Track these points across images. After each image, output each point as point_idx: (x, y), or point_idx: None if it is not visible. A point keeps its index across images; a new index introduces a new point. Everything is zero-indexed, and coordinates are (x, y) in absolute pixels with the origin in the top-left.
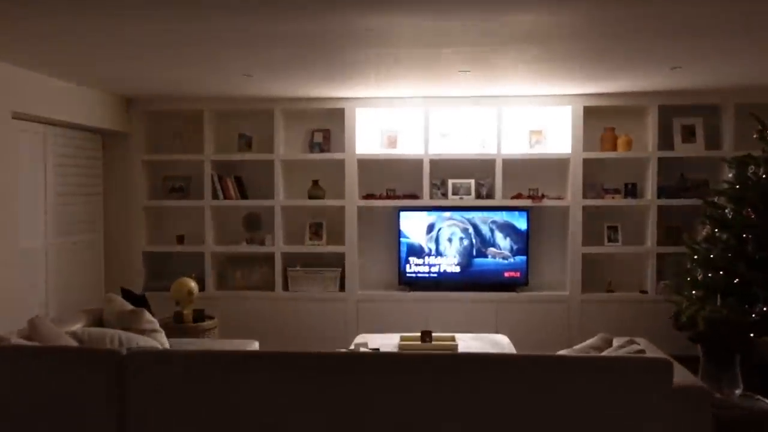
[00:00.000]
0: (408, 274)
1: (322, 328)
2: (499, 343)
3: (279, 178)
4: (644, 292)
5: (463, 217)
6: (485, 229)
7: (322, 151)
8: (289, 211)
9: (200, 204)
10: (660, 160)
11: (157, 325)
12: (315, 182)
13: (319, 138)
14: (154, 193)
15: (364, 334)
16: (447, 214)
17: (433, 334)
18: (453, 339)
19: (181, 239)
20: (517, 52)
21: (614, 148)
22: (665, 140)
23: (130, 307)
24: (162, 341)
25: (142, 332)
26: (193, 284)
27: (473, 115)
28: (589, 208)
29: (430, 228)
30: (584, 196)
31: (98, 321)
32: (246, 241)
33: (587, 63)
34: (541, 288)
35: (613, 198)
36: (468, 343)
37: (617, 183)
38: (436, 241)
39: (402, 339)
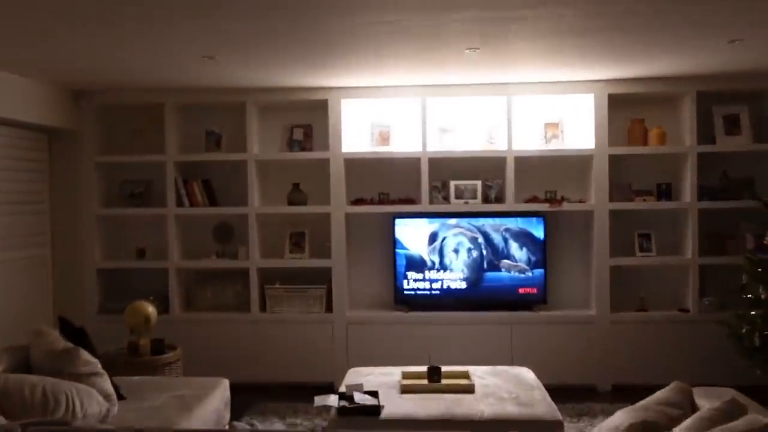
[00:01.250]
0: (406, 292)
1: (305, 356)
2: (524, 379)
3: (253, 182)
4: (684, 310)
5: (471, 224)
6: (497, 239)
7: (303, 149)
8: (266, 219)
9: (163, 212)
10: (699, 156)
11: (97, 367)
12: (295, 186)
13: (299, 135)
14: (110, 201)
15: (357, 368)
16: (452, 221)
17: (443, 369)
18: (467, 375)
19: (141, 253)
20: (544, 20)
21: (644, 142)
22: (703, 133)
23: (63, 344)
24: (103, 387)
25: (78, 377)
26: (150, 309)
27: (479, 107)
28: (617, 213)
29: (433, 237)
30: (611, 199)
31: (25, 361)
32: (216, 255)
33: (628, 36)
34: (561, 306)
35: (644, 200)
36: (486, 380)
37: (648, 183)
38: (440, 252)
39: (404, 376)
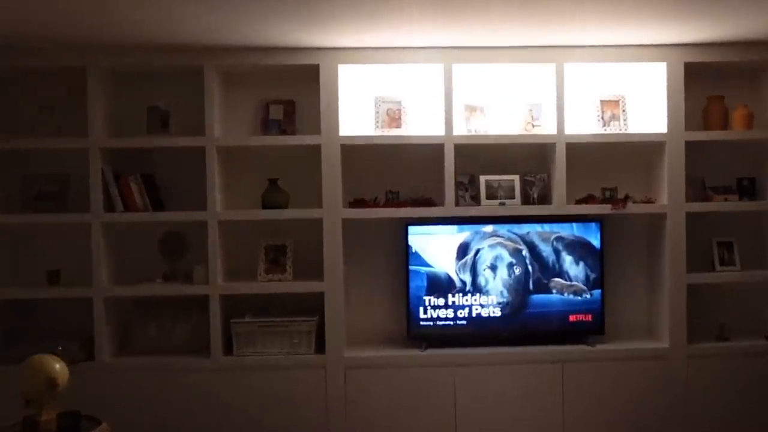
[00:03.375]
0: (423, 323)
1: (289, 415)
2: None
3: (215, 177)
4: None
5: (513, 232)
6: (547, 251)
7: (283, 132)
8: (233, 228)
9: (85, 219)
10: None
11: None
12: (273, 182)
13: (278, 113)
14: (8, 203)
15: None
16: (488, 227)
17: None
18: None
19: (53, 277)
20: None
21: (724, 125)
22: None
23: None
24: None
25: None
26: (57, 367)
27: (519, 77)
28: (691, 217)
29: (463, 250)
30: (686, 198)
31: None
32: (163, 278)
33: None
34: (622, 336)
35: (726, 200)
36: None
37: (726, 178)
38: (473, 269)
39: None
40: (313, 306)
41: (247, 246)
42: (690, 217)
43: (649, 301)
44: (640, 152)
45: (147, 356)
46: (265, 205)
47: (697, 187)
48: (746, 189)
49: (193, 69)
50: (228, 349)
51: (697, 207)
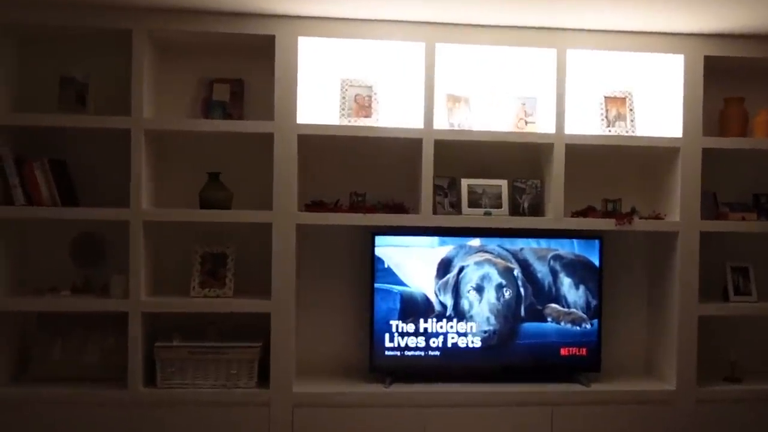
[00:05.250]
0: (388, 352)
1: None
2: None
3: (141, 167)
4: None
5: (503, 248)
6: (543, 271)
7: (228, 117)
8: (162, 230)
9: None
10: None
11: None
12: (213, 176)
13: (222, 93)
14: None
15: None
16: (475, 242)
17: None
18: None
19: None
20: None
21: (742, 132)
22: None
23: None
24: None
25: None
26: None
27: (511, 63)
28: (703, 237)
29: (445, 267)
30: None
31: None
32: (73, 288)
33: None
34: (620, 374)
35: (743, 219)
36: None
37: (741, 194)
38: (455, 290)
39: None
40: (256, 329)
41: (179, 254)
42: (703, 237)
43: (651, 333)
44: (648, 159)
45: (49, 385)
46: (203, 205)
47: (708, 203)
48: (764, 207)
49: (119, 33)
50: (150, 379)
51: (713, 226)
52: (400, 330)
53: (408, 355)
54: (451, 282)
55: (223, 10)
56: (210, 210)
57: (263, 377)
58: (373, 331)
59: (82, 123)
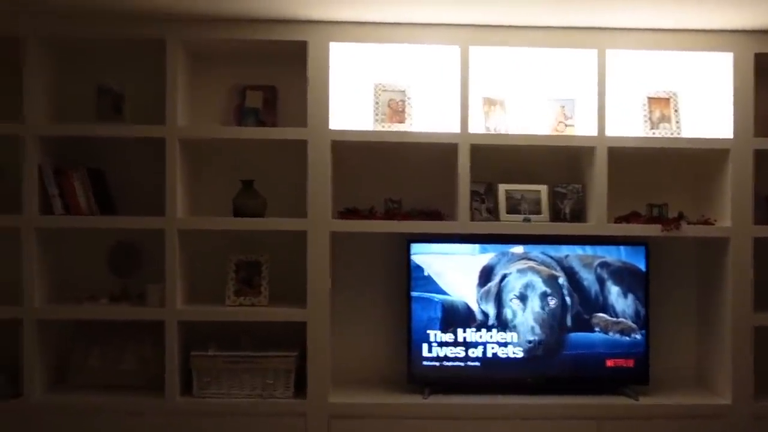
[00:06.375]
0: (426, 363)
1: None
2: None
3: (176, 175)
4: None
5: (547, 255)
6: (589, 279)
7: (261, 124)
8: (196, 239)
9: (15, 223)
10: None
11: None
12: (247, 184)
13: (255, 100)
14: None
15: None
16: (517, 249)
17: None
18: None
19: None
20: None
21: None
22: None
23: None
24: None
25: None
26: None
27: (549, 66)
28: (759, 242)
29: (486, 275)
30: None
31: None
32: (110, 297)
33: None
34: (669, 387)
35: None
36: None
37: None
38: (497, 299)
39: None
40: (292, 338)
41: (214, 262)
42: (757, 243)
43: (702, 344)
44: (695, 162)
45: (86, 393)
46: (238, 213)
47: (762, 207)
48: None
49: (154, 43)
50: (187, 387)
51: (765, 231)
52: (438, 340)
53: (447, 366)
54: (493, 290)
55: (255, 17)
56: (244, 218)
57: (299, 387)
58: (410, 341)
59: (118, 132)
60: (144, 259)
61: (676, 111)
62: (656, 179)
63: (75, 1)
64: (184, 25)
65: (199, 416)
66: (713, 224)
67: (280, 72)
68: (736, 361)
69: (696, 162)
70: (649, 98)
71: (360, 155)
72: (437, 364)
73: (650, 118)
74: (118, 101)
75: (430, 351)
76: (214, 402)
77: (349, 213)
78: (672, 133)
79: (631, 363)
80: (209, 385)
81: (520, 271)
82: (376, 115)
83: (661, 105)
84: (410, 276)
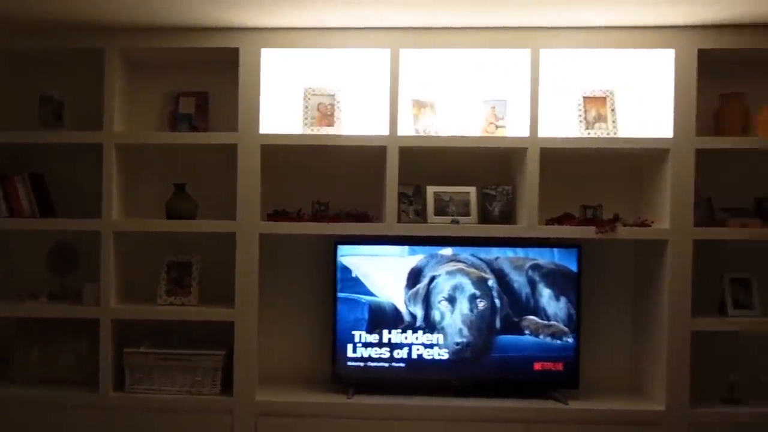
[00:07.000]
0: (350, 363)
1: None
2: None
3: (112, 179)
4: None
5: (477, 257)
6: (520, 281)
7: (194, 129)
8: (130, 240)
9: None
10: None
11: None
12: (179, 188)
13: (188, 106)
14: None
15: None
16: (447, 251)
17: None
18: None
19: None
20: None
21: (743, 130)
22: None
23: None
24: None
25: None
26: None
27: (479, 67)
28: (697, 245)
29: (415, 277)
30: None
31: None
32: (50, 295)
33: None
34: (600, 392)
35: (743, 226)
36: None
37: (739, 197)
38: (425, 301)
39: None
40: (221, 337)
41: (148, 263)
42: (697, 245)
43: (636, 348)
44: (633, 162)
45: (26, 388)
46: (170, 215)
47: (702, 208)
48: (766, 211)
49: (93, 53)
50: (119, 383)
51: (708, 234)
52: (363, 340)
53: (372, 366)
54: (422, 292)
55: (189, 25)
56: (176, 220)
57: (227, 385)
58: (335, 341)
59: (59, 139)
60: (82, 260)
61: (612, 110)
62: (591, 180)
63: (16, 13)
64: (121, 34)
65: (131, 411)
66: (650, 226)
67: (212, 78)
68: (671, 367)
69: (634, 162)
70: (585, 98)
71: (290, 159)
72: (362, 364)
73: (585, 118)
74: (59, 109)
75: (354, 351)
76: (145, 397)
77: (277, 215)
78: (608, 133)
79: (560, 366)
80: (141, 381)
81: (449, 273)
82: (306, 119)
83: (597, 104)
84: (336, 277)
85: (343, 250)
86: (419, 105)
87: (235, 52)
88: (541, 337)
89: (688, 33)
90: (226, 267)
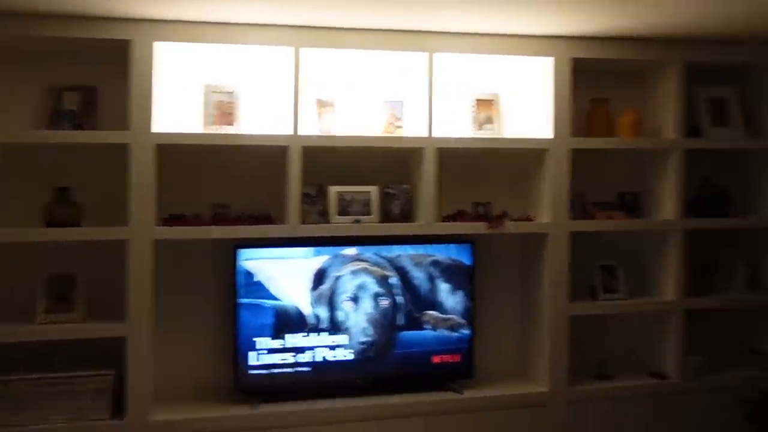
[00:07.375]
0: (254, 371)
1: None
2: None
3: None
4: (660, 376)
5: (379, 255)
6: (420, 278)
7: (78, 127)
8: (4, 251)
9: None
10: (685, 154)
11: None
12: (61, 191)
13: (72, 102)
14: None
15: None
16: (350, 250)
17: None
18: None
19: None
20: None
21: (608, 132)
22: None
23: None
24: None
25: None
26: None
27: (380, 69)
28: (577, 236)
29: (319, 278)
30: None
31: None
32: None
33: None
34: (495, 380)
35: (609, 218)
36: None
37: (606, 192)
38: (330, 302)
39: None
40: (110, 356)
41: (24, 277)
42: (573, 237)
43: (524, 336)
44: (518, 161)
45: None
46: (50, 222)
47: (577, 203)
48: (629, 205)
49: None
50: None
51: (582, 226)
52: (266, 347)
53: (276, 373)
54: (326, 293)
55: (75, 13)
56: (58, 227)
57: (118, 407)
58: (236, 350)
59: None
60: None
61: (499, 112)
62: (481, 178)
63: None
64: None
65: None
66: (533, 220)
67: (101, 72)
68: (552, 350)
69: (518, 161)
70: (477, 100)
71: (187, 159)
72: (265, 371)
73: (476, 119)
74: None
75: (258, 359)
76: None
77: (173, 219)
78: (495, 134)
79: (457, 358)
80: (17, 410)
81: (353, 272)
82: (204, 117)
83: (486, 106)
84: (236, 283)
85: (244, 254)
86: (322, 104)
87: (125, 44)
88: (440, 330)
89: (565, 43)
90: (116, 278)
